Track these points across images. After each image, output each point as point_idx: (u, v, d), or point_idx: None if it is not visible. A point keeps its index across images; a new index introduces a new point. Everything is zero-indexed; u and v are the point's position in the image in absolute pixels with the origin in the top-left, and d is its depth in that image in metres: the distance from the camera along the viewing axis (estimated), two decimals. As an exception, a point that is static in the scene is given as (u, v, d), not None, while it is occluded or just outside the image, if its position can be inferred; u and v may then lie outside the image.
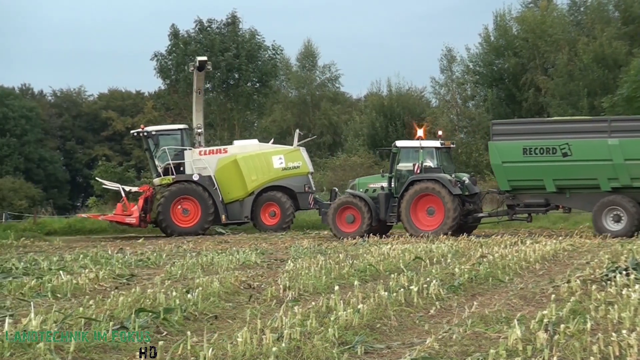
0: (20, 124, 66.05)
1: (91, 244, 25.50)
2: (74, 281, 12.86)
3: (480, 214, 27.86)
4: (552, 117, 40.61)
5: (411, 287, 11.69)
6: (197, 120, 32.42)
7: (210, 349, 7.82)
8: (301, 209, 31.67)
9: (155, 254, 19.71)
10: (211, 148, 31.74)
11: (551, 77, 48.58)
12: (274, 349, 7.94)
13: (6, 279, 13.82)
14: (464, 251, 19.52)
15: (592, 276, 13.32)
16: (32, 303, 10.56)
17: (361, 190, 27.66)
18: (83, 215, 34.43)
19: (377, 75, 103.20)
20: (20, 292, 11.93)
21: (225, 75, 47.40)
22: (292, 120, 61.37)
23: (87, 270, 14.95)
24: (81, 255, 19.00)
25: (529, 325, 9.18)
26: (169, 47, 48.12)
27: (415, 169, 26.80)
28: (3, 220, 38.93)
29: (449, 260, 17.01)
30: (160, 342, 8.18)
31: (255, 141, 33.69)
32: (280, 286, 12.51)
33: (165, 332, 9.30)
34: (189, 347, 8.10)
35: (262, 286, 13.08)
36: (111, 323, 8.94)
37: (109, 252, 20.29)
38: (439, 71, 58.55)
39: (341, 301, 10.52)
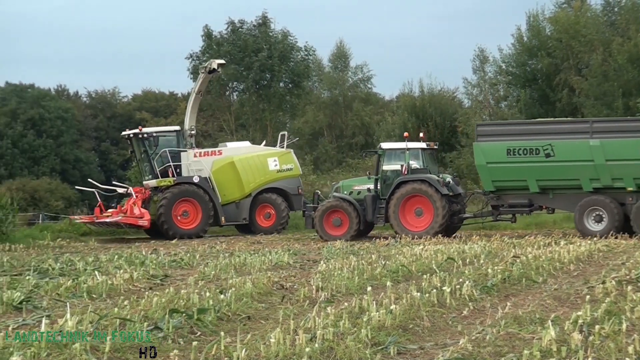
0: (56, 125, 66.70)
1: (125, 245, 25.70)
2: (109, 282, 12.97)
3: (465, 215, 28.14)
4: (586, 117, 40.27)
5: (444, 288, 11.67)
6: (191, 121, 32.20)
7: (244, 350, 7.86)
8: (294, 210, 32.08)
9: (188, 255, 19.83)
10: (206, 150, 31.59)
11: (585, 78, 48.13)
12: (307, 349, 7.96)
13: (43, 279, 13.97)
14: (496, 252, 19.43)
15: (628, 277, 13.22)
16: (68, 304, 10.67)
17: (346, 192, 27.58)
18: (76, 217, 32.77)
19: (408, 75, 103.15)
20: (57, 293, 12.05)
21: (258, 76, 47.51)
22: (324, 121, 61.36)
23: (121, 270, 15.08)
24: (116, 256, 19.16)
25: (563, 326, 9.14)
26: (202, 48, 48.34)
27: (403, 170, 27.03)
28: (40, 221, 39.33)
29: (481, 261, 16.95)
30: (194, 343, 8.23)
31: (247, 143, 33.53)
32: (313, 287, 12.53)
33: (198, 333, 9.36)
34: (222, 348, 8.14)
35: (295, 287, 13.11)
36: (145, 323, 9.01)
37: (143, 253, 20.45)
38: (471, 72, 58.26)
39: (374, 302, 10.52)
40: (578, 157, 25.98)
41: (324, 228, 27.11)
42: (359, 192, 27.57)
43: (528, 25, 52.83)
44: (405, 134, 28.63)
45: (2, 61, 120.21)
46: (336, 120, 60.71)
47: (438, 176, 27.36)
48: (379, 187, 27.40)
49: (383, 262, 16.27)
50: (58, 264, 17.02)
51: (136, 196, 29.80)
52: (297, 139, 31.57)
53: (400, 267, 15.37)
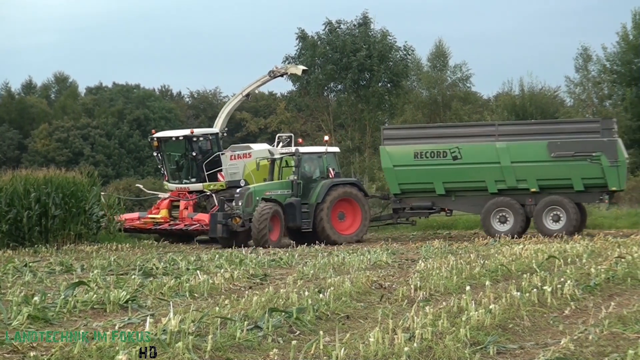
0: (160, 125, 68.25)
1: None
2: (210, 281, 13.17)
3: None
4: None
5: (544, 288, 11.50)
6: (224, 124, 32.08)
7: (343, 349, 7.90)
8: None
9: (287, 254, 20.02)
10: (237, 153, 30.57)
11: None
12: (406, 348, 7.96)
13: (147, 278, 14.31)
14: (600, 251, 19.04)
15: None
16: (171, 303, 10.90)
17: (258, 198, 25.79)
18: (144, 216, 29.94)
19: (508, 74, 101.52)
20: (161, 292, 12.30)
21: (357, 76, 47.55)
22: (423, 121, 61.03)
23: (222, 270, 15.33)
24: (217, 255, 19.47)
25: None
26: (298, 50, 48.66)
27: (332, 174, 27.20)
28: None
29: (584, 260, 16.63)
30: (293, 342, 8.31)
31: (265, 145, 32.51)
32: (412, 286, 12.50)
33: (298, 332, 9.44)
34: (321, 347, 8.20)
35: (393, 286, 13.10)
36: (245, 322, 9.13)
37: (243, 253, 20.72)
38: (574, 70, 57.15)
39: (472, 301, 10.45)
40: (485, 159, 26.81)
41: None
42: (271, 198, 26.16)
43: (634, 23, 51.63)
44: (326, 138, 29.16)
45: (110, 62, 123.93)
46: (435, 119, 60.15)
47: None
48: (299, 191, 26.49)
49: (482, 262, 16.12)
50: (162, 264, 17.39)
51: (188, 201, 28.91)
52: (291, 136, 30.21)
53: (499, 267, 15.21)
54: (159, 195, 30.92)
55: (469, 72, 63.72)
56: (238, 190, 26.17)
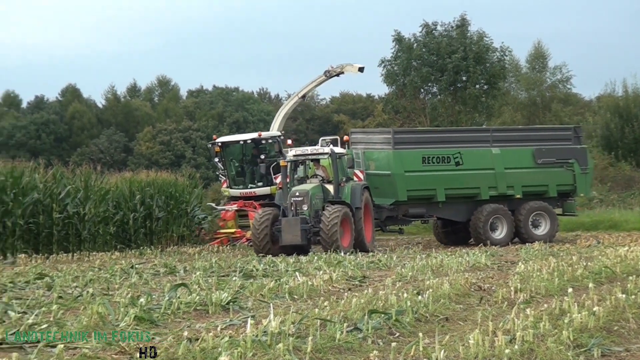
0: (259, 127, 69.15)
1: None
2: (309, 283, 13.27)
3: None
4: None
5: (651, 290, 11.24)
6: (281, 126, 31.67)
7: (442, 351, 7.88)
8: None
9: (386, 256, 20.02)
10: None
11: None
12: (507, 350, 7.89)
13: (247, 280, 14.51)
14: None
15: None
16: (271, 304, 11.03)
17: (314, 201, 23.39)
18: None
19: (611, 75, 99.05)
20: (261, 294, 12.44)
21: (453, 78, 47.25)
22: (521, 122, 60.27)
23: (321, 272, 15.43)
24: (315, 257, 19.60)
25: None
26: (394, 52, 48.62)
27: (359, 176, 25.95)
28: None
29: (692, 262, 16.17)
30: (393, 344, 8.32)
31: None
32: (511, 288, 12.36)
33: (397, 334, 9.44)
34: (421, 349, 8.19)
35: (493, 288, 12.98)
36: (345, 324, 9.18)
37: (342, 254, 20.80)
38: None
39: (575, 303, 10.28)
40: (482, 165, 26.65)
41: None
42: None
43: None
44: (346, 137, 27.65)
45: (211, 65, 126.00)
46: (534, 121, 59.32)
47: None
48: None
49: (584, 264, 15.82)
50: (261, 265, 17.60)
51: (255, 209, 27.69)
52: (336, 138, 29.32)
53: (603, 269, 14.92)
54: (227, 208, 29.35)
55: (570, 74, 62.62)
56: (298, 192, 23.47)
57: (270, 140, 29.94)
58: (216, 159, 30.11)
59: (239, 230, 28.55)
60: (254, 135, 30.25)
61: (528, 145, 27.37)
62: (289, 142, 27.40)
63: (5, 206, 22.31)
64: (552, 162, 27.23)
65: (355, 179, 25.31)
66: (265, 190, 29.09)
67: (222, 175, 30.52)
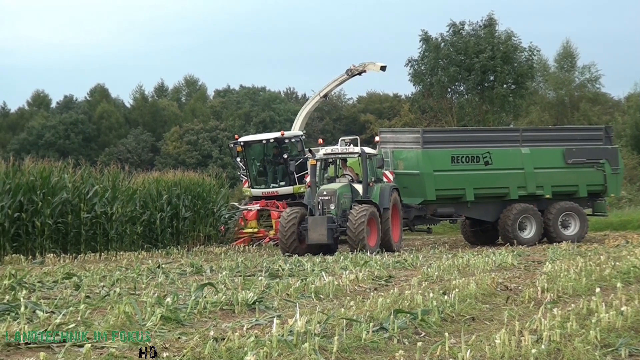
0: (286, 127, 69.21)
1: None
2: (335, 282, 13.27)
3: None
4: None
5: (679, 290, 11.14)
6: (302, 125, 31.60)
7: (468, 351, 7.85)
8: None
9: (412, 256, 19.99)
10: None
11: None
12: (533, 350, 7.86)
13: (273, 280, 14.54)
14: None
15: None
16: (297, 304, 11.04)
17: (341, 201, 23.14)
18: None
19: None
20: (287, 293, 12.46)
21: (480, 77, 47.05)
22: (549, 122, 59.95)
23: (347, 271, 15.44)
24: (341, 257, 19.61)
25: None
26: (421, 52, 48.50)
27: (388, 177, 25.91)
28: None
29: None
30: (419, 343, 8.31)
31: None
32: (538, 288, 12.30)
33: (423, 333, 9.43)
34: (447, 349, 8.18)
35: (519, 288, 12.93)
36: (371, 324, 9.18)
37: (367, 254, 20.79)
38: None
39: (602, 303, 10.21)
40: (512, 164, 26.65)
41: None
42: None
43: None
44: (377, 138, 27.70)
45: (239, 65, 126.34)
46: (562, 120, 59.02)
47: None
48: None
49: (612, 263, 15.71)
50: (287, 265, 17.63)
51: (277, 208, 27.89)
52: (356, 139, 28.93)
53: (631, 268, 14.81)
54: (249, 208, 29.03)
55: (599, 73, 62.18)
56: (325, 191, 23.17)
57: (293, 140, 29.95)
58: (238, 159, 30.02)
59: (262, 230, 28.47)
60: (277, 134, 30.15)
61: (558, 145, 27.39)
62: (320, 140, 27.24)
63: (35, 206, 22.49)
64: (583, 162, 27.22)
65: (384, 179, 25.27)
66: (288, 189, 29.04)
67: (243, 175, 30.40)
